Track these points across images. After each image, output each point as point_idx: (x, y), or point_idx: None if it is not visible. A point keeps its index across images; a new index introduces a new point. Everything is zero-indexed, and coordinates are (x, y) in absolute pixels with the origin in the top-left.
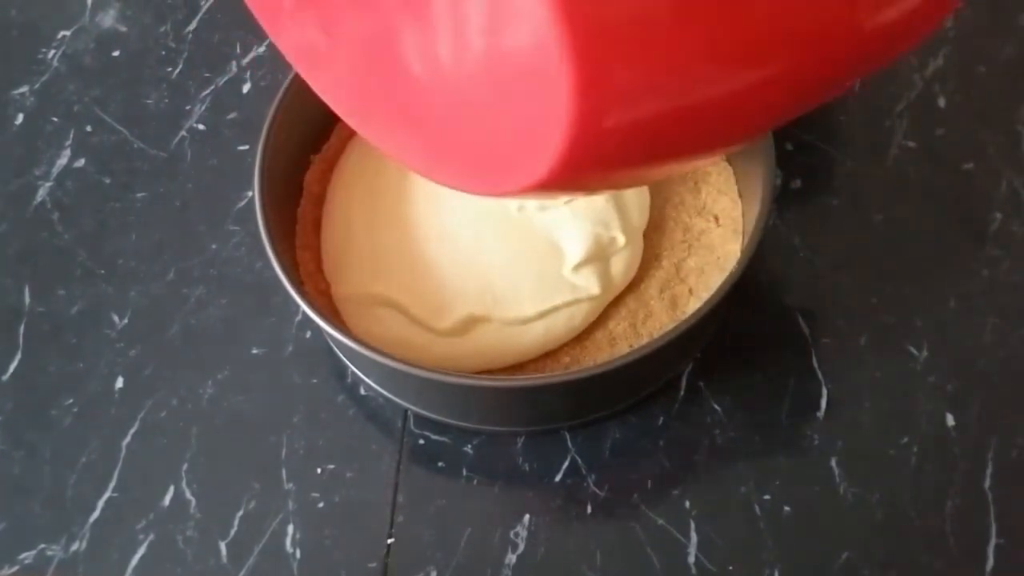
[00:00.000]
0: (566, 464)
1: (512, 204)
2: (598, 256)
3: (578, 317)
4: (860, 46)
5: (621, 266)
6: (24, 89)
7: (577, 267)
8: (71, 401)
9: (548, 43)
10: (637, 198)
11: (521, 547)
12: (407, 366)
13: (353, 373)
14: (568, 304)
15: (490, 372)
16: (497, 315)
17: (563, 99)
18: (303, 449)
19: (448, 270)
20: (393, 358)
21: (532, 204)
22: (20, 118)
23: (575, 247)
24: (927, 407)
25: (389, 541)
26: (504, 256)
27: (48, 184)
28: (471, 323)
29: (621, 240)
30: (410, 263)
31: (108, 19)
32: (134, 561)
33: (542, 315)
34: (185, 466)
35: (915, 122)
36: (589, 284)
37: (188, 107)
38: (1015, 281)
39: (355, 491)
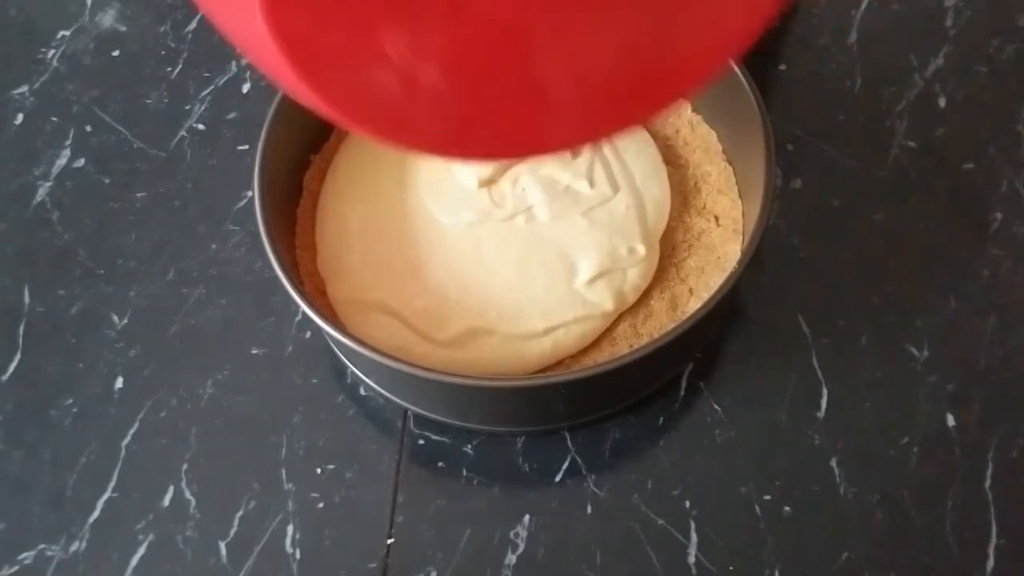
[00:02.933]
0: (566, 464)
1: (520, 216)
2: (613, 269)
3: (589, 334)
4: None
5: (637, 279)
6: (24, 89)
7: (590, 281)
8: (71, 401)
9: None
10: (658, 200)
11: (521, 547)
12: (407, 366)
13: (353, 373)
14: (579, 320)
15: None
16: (501, 329)
17: None
18: (303, 449)
19: (447, 281)
20: (393, 358)
21: (545, 215)
22: (20, 118)
23: (588, 261)
24: (927, 407)
25: (389, 541)
26: (508, 269)
27: (48, 184)
28: (472, 336)
29: (642, 251)
30: (407, 271)
31: (108, 19)
32: (134, 561)
33: (549, 331)
34: (185, 466)
35: (915, 122)
36: (602, 300)
37: (188, 107)
38: (1015, 281)
39: (355, 491)
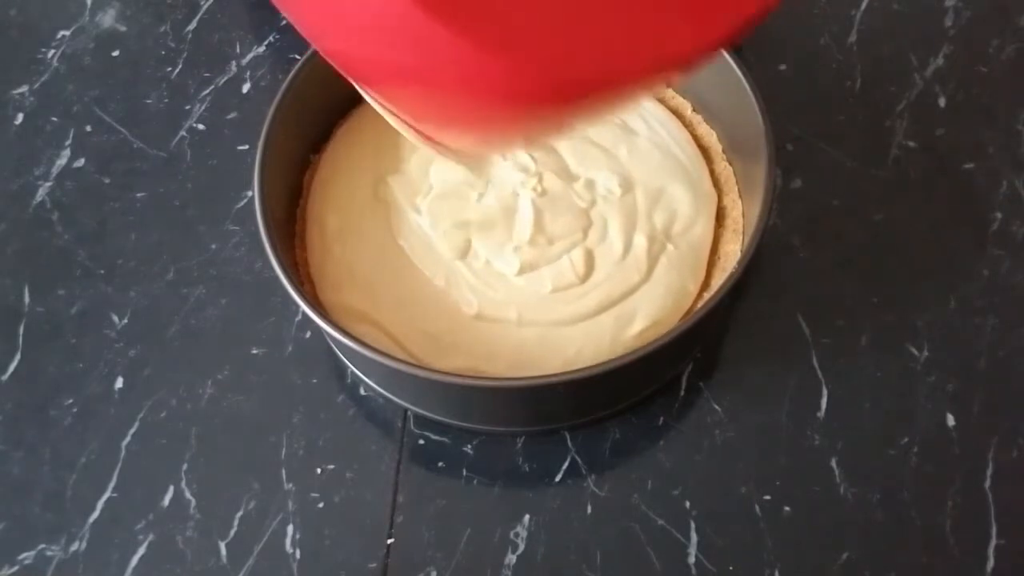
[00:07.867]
0: (566, 464)
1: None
2: (674, 311)
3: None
4: None
5: (682, 313)
6: (24, 89)
7: (642, 332)
8: (71, 401)
9: None
10: (711, 219)
11: (521, 547)
12: (407, 366)
13: (353, 373)
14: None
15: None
16: (510, 375)
17: None
18: (303, 449)
19: (444, 314)
20: (393, 358)
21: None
22: (20, 118)
23: (650, 308)
24: (927, 407)
25: (389, 541)
26: (536, 327)
27: (48, 184)
28: (475, 374)
29: (699, 281)
30: (397, 289)
31: (108, 19)
32: (134, 561)
33: None
34: (185, 466)
35: (915, 122)
36: (646, 343)
37: (188, 107)
38: (1015, 281)
39: (355, 491)
